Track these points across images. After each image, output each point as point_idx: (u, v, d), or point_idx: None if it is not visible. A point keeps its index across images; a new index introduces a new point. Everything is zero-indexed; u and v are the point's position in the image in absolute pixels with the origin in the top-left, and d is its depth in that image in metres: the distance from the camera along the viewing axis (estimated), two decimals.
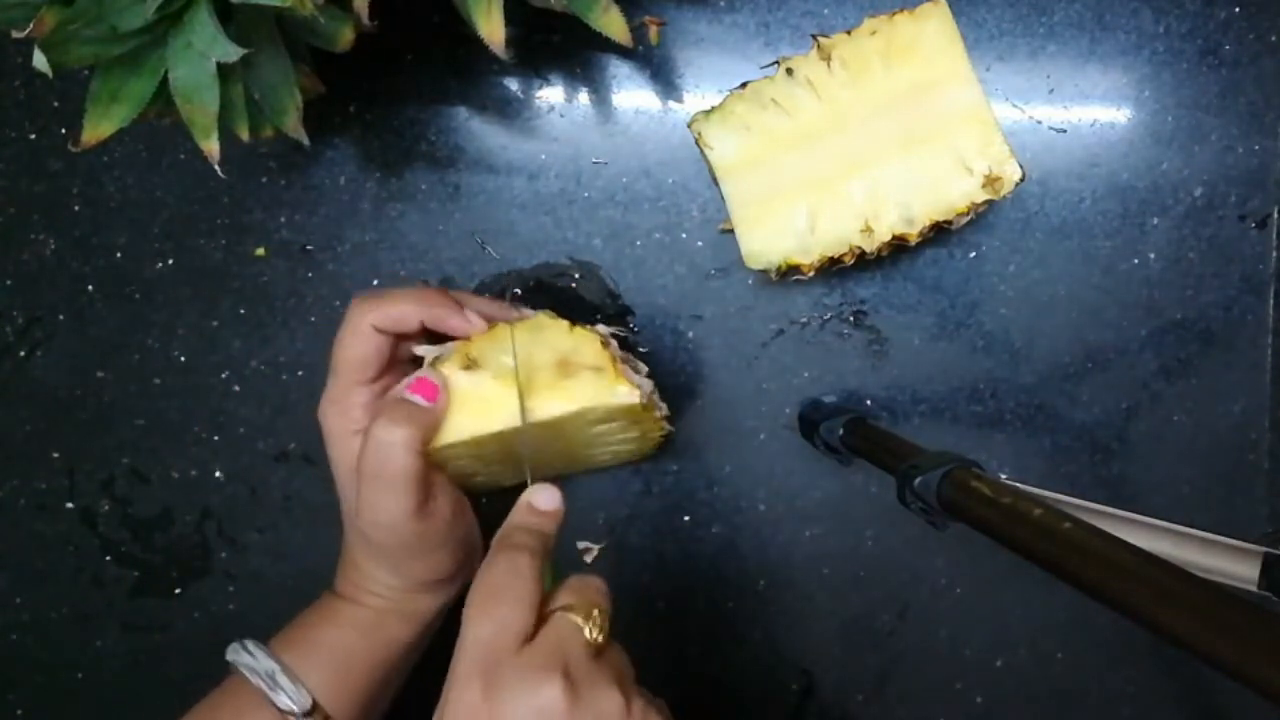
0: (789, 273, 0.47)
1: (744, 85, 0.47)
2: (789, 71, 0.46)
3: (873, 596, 0.55)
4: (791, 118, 0.47)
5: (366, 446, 0.41)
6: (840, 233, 0.47)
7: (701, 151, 0.47)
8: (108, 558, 0.56)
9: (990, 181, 0.45)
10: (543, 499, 0.41)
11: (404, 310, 0.44)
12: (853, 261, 0.47)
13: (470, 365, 0.43)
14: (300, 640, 0.46)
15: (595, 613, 0.36)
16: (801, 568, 0.55)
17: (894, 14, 0.45)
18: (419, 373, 0.43)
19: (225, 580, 0.56)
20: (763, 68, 0.48)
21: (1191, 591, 0.27)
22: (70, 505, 0.56)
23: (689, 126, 0.47)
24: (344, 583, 0.48)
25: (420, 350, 0.46)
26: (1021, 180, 0.45)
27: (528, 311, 0.48)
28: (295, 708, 0.43)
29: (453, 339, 0.45)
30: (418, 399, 0.42)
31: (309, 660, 0.45)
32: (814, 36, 0.46)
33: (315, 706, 0.44)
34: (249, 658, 0.44)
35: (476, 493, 0.51)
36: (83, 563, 0.56)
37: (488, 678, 0.34)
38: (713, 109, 0.47)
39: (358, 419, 0.45)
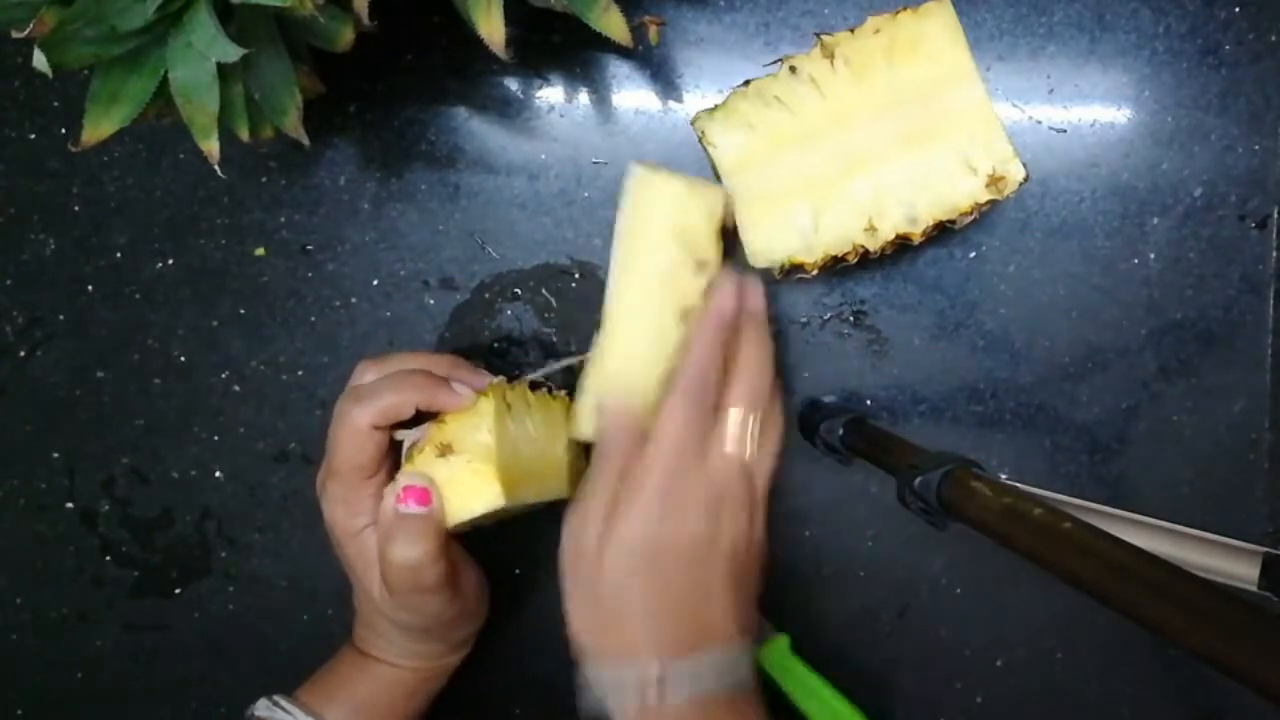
0: (792, 271, 0.47)
1: (747, 83, 0.47)
2: (792, 69, 0.46)
3: (873, 596, 0.55)
4: (795, 116, 0.47)
5: (390, 570, 0.42)
6: (844, 231, 0.46)
7: (705, 149, 0.47)
8: (108, 558, 0.56)
9: (994, 181, 0.45)
10: (725, 299, 0.43)
11: (395, 403, 0.43)
12: (856, 260, 0.47)
13: (445, 451, 0.43)
14: (336, 696, 0.46)
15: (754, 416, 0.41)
16: (801, 568, 0.55)
17: (897, 12, 0.45)
18: (402, 480, 0.43)
19: (225, 580, 0.56)
20: (766, 65, 0.48)
21: (1191, 591, 0.27)
22: (70, 505, 0.56)
23: (692, 124, 0.47)
24: (372, 648, 0.47)
25: (400, 435, 0.45)
26: (1025, 180, 0.45)
27: (493, 378, 0.47)
28: None
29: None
30: (415, 509, 0.42)
31: (347, 717, 0.45)
32: (817, 35, 0.46)
33: None
34: (285, 715, 0.44)
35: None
36: (83, 563, 0.56)
37: (679, 472, 0.40)
38: (716, 107, 0.47)
39: (368, 512, 0.44)
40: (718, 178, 0.47)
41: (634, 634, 0.39)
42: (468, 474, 0.43)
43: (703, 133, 0.47)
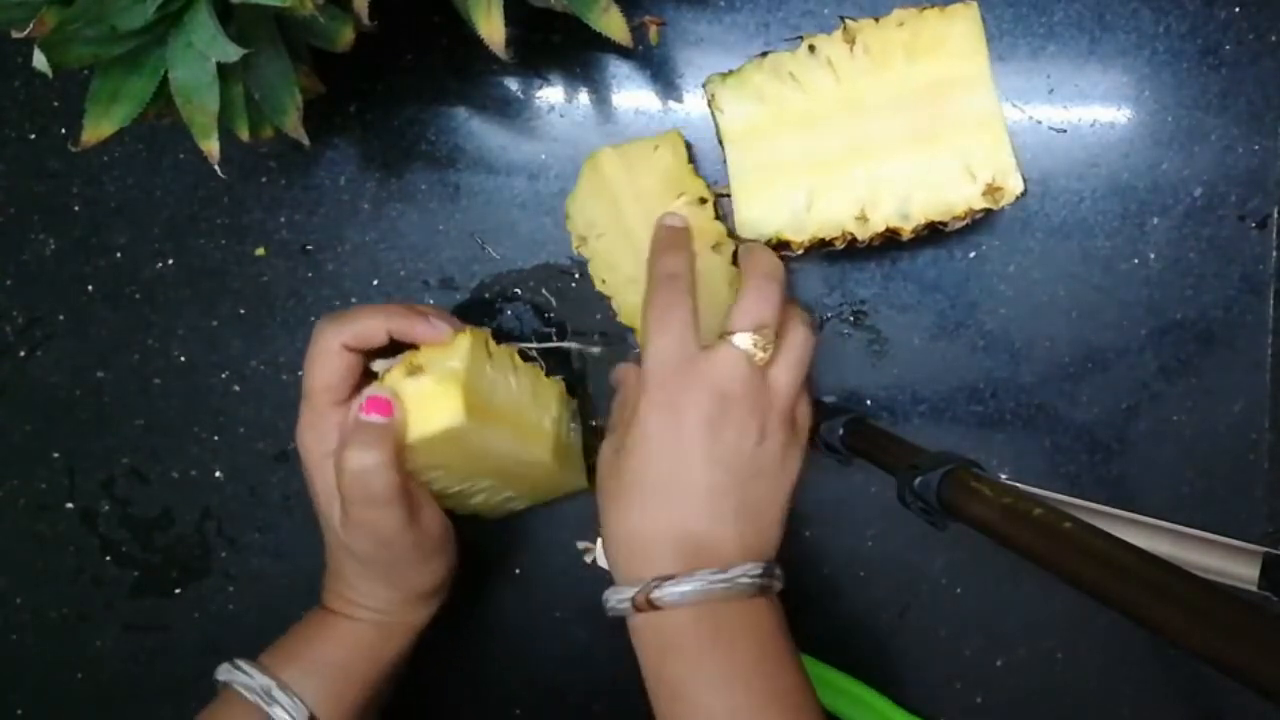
0: (779, 247, 0.47)
1: (764, 54, 0.47)
2: (811, 49, 0.46)
3: (873, 596, 0.55)
4: (806, 95, 0.47)
5: (343, 476, 0.42)
6: (835, 216, 0.47)
7: (712, 113, 0.47)
8: (107, 558, 0.56)
9: (991, 191, 0.45)
10: (672, 219, 0.46)
11: (370, 325, 0.44)
12: (843, 246, 0.47)
13: (415, 372, 0.43)
14: (296, 655, 0.46)
15: (763, 332, 0.42)
16: (801, 568, 0.55)
17: (925, 8, 0.45)
18: (368, 391, 0.43)
19: (225, 580, 0.56)
20: (786, 40, 0.48)
21: (1191, 591, 0.27)
22: (70, 505, 0.56)
23: (704, 86, 0.47)
24: (335, 600, 0.47)
25: (375, 365, 0.45)
26: (1023, 194, 0.45)
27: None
28: None
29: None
30: (375, 418, 0.42)
31: (306, 675, 0.45)
32: (842, 19, 0.46)
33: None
34: (244, 676, 0.44)
35: (475, 515, 0.51)
36: (83, 563, 0.56)
37: (669, 386, 0.42)
38: (730, 72, 0.47)
39: (335, 441, 0.44)
40: (720, 143, 0.47)
41: (640, 553, 0.42)
42: (434, 393, 0.43)
43: (713, 96, 0.47)
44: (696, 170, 0.49)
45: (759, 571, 0.41)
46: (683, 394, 0.41)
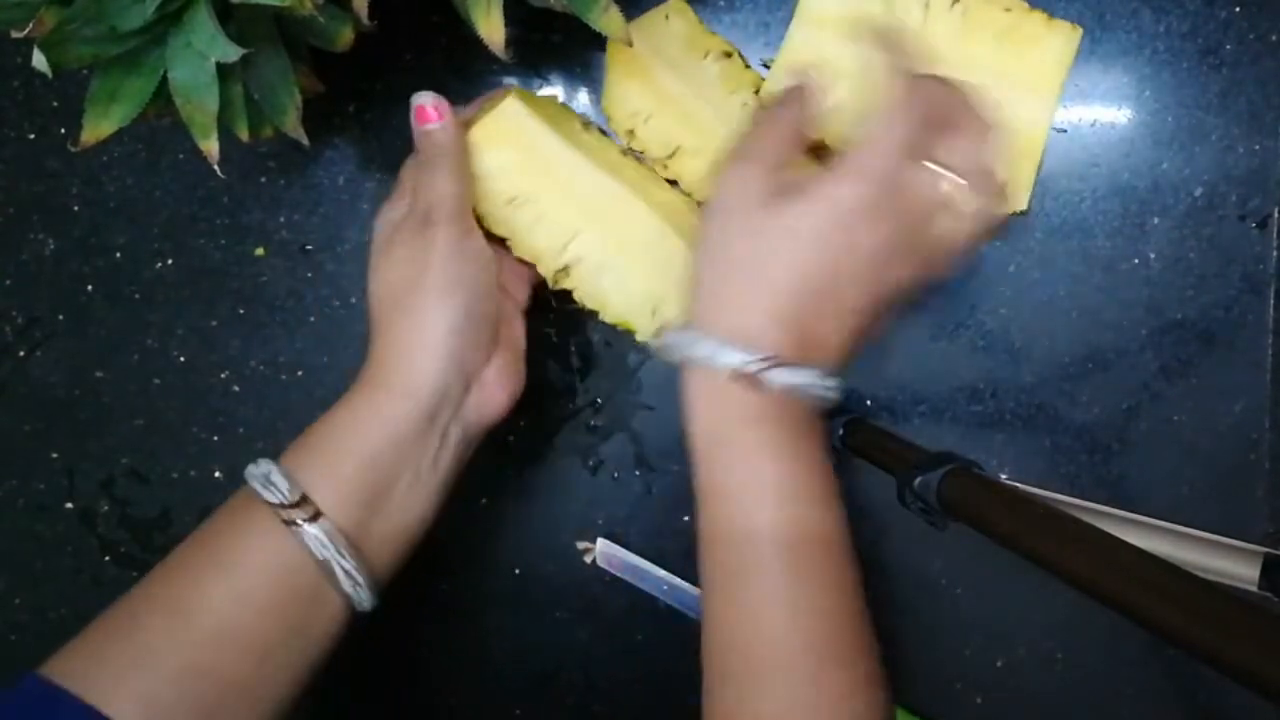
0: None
1: None
2: None
3: (873, 596, 0.55)
4: (889, 13, 0.46)
5: (419, 140, 0.43)
6: (849, 129, 0.46)
7: None
8: (107, 558, 0.56)
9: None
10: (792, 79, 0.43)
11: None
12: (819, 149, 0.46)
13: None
14: (299, 442, 0.42)
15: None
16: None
17: (1034, 10, 0.46)
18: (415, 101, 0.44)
19: None
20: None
21: (1191, 591, 0.27)
22: (69, 506, 0.56)
23: None
24: (386, 359, 0.43)
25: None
26: (1021, 213, 0.45)
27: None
28: (279, 499, 0.39)
29: None
30: (431, 125, 0.43)
31: (306, 455, 0.42)
32: None
33: (304, 499, 0.40)
34: (254, 467, 0.41)
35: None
36: (82, 563, 0.56)
37: (883, 180, 0.38)
38: None
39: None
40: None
41: (753, 317, 0.38)
42: (493, 113, 0.45)
43: None
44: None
45: (837, 392, 0.39)
46: (890, 198, 0.38)
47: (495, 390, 0.45)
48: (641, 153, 0.50)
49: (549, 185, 0.45)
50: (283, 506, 0.39)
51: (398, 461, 0.42)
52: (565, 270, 0.46)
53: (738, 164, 0.40)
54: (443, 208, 0.42)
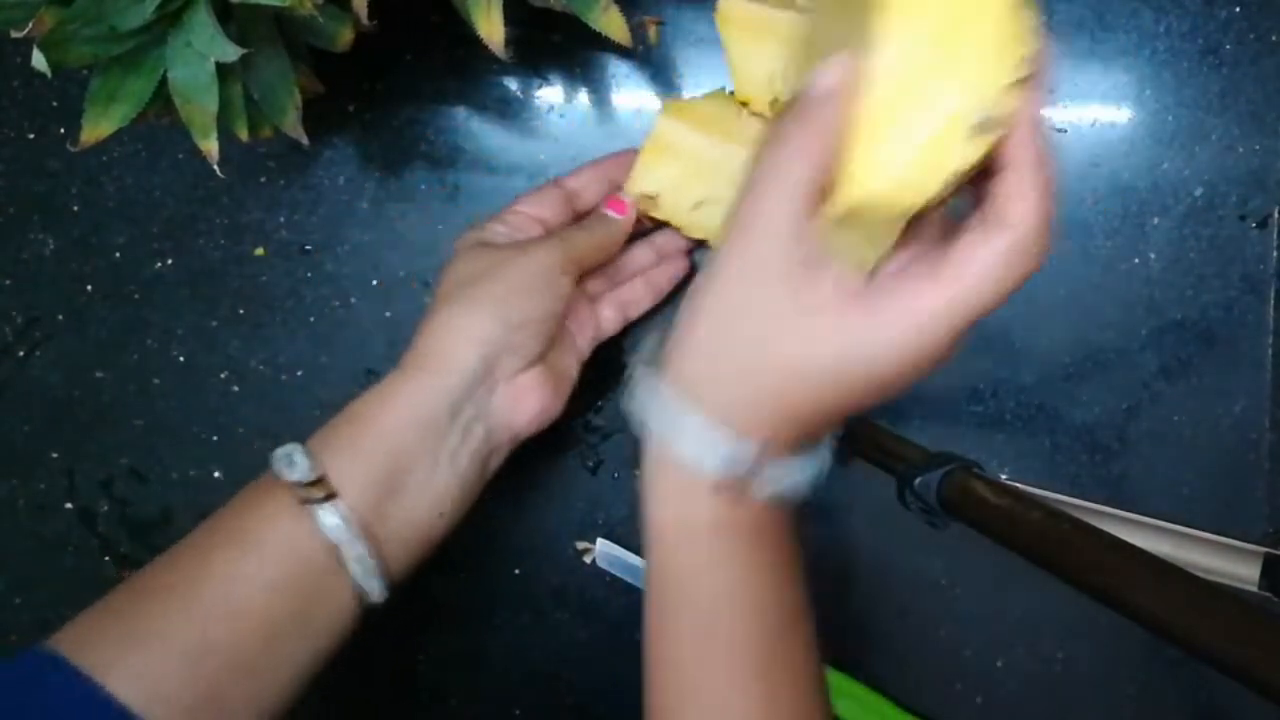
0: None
1: None
2: None
3: (873, 596, 0.55)
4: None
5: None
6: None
7: None
8: (107, 558, 0.56)
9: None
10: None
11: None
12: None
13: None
14: (329, 423, 0.42)
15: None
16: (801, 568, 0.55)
17: None
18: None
19: None
20: None
21: (1192, 591, 0.27)
22: (69, 506, 0.56)
23: None
24: (433, 339, 0.43)
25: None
26: None
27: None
28: (299, 477, 0.39)
29: None
30: (611, 214, 0.47)
31: (331, 432, 0.42)
32: None
33: (322, 479, 0.40)
34: (280, 449, 0.41)
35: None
36: (82, 563, 0.56)
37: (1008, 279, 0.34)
38: None
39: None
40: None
41: (749, 411, 0.34)
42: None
43: None
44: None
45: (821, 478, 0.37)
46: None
47: (525, 393, 0.44)
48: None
49: (726, 183, 0.45)
50: (300, 485, 0.39)
51: (418, 443, 0.41)
52: None
53: (763, 195, 0.33)
54: (571, 261, 0.44)
